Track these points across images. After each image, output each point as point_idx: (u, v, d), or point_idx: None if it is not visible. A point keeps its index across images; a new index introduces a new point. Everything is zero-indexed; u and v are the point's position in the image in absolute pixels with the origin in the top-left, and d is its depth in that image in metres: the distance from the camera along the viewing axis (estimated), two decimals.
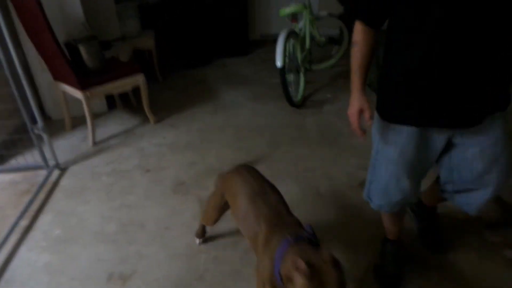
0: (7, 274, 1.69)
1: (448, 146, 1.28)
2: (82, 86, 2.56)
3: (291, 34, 3.04)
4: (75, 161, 2.56)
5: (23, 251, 1.82)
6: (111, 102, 3.32)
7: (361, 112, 1.29)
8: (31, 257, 1.78)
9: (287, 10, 3.16)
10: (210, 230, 1.88)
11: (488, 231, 1.78)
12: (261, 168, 2.33)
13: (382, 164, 1.37)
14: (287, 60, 2.99)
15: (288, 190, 2.13)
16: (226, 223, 1.92)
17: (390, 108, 1.29)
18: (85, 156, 2.62)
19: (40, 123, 2.33)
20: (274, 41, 3.05)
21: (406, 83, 1.19)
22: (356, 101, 1.29)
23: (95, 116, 3.02)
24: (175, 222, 1.96)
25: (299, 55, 3.22)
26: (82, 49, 2.64)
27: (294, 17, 3.25)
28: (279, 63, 2.86)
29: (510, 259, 1.63)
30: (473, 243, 1.72)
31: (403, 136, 1.26)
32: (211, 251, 1.76)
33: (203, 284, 1.60)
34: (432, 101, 1.16)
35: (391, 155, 1.31)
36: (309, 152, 2.52)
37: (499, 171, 1.25)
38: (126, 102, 3.37)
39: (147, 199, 2.15)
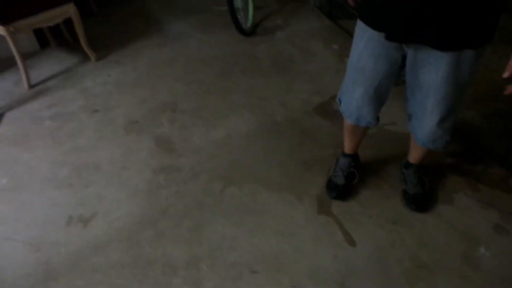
0: None
1: (412, 62, 1.22)
2: (3, 19, 2.24)
3: None
4: (11, 107, 2.34)
5: None
6: (43, 40, 2.98)
7: None
8: None
9: None
10: (169, 165, 1.87)
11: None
12: (215, 101, 2.31)
13: (348, 66, 1.38)
14: None
15: (245, 120, 2.14)
16: (186, 156, 1.92)
17: (361, 6, 1.24)
18: (22, 101, 2.39)
19: None
20: None
21: None
22: None
23: (26, 56, 2.70)
24: (131, 160, 1.91)
25: None
26: None
27: None
28: None
29: (451, 165, 1.80)
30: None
31: (364, 41, 1.23)
32: (172, 186, 1.77)
33: (167, 217, 1.62)
34: (399, 13, 1.10)
35: (352, 58, 1.33)
36: (262, 81, 2.49)
37: (441, 107, 1.25)
38: (61, 39, 3.03)
39: (98, 140, 2.05)
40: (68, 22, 2.65)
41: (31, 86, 2.52)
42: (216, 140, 2.02)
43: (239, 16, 2.95)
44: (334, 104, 2.23)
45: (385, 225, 1.56)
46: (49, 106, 2.33)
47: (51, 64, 2.78)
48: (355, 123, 1.46)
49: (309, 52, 2.78)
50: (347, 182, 1.67)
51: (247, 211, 1.63)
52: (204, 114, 2.21)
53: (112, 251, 1.50)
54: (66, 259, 1.48)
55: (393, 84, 1.34)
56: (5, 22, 2.25)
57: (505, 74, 1.07)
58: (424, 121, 1.32)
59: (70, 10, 2.54)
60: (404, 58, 1.24)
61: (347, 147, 1.68)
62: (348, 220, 1.58)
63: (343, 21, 3.10)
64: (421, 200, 1.62)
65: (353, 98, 1.38)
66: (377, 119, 1.45)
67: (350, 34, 2.92)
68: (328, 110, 2.19)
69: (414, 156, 1.62)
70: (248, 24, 3.10)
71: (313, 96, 2.29)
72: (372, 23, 1.19)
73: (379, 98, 1.36)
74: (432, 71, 1.18)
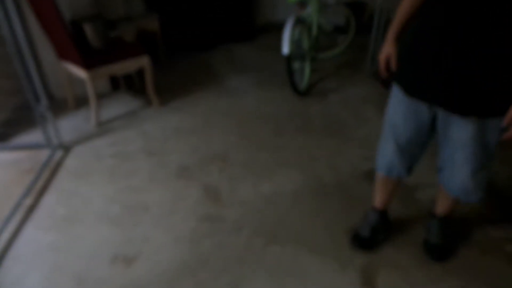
0: (13, 252, 1.71)
1: (442, 118, 1.31)
2: (87, 65, 2.53)
3: (299, 21, 3.00)
4: (78, 141, 2.55)
5: (28, 229, 1.83)
6: (115, 83, 3.29)
7: (388, 58, 1.41)
8: (36, 236, 1.79)
9: None
10: (214, 215, 1.90)
11: (490, 227, 1.80)
12: (265, 156, 2.36)
13: (384, 122, 1.51)
14: (293, 47, 2.96)
15: (292, 179, 2.15)
16: (232, 207, 1.94)
17: (396, 73, 1.40)
18: (89, 137, 2.61)
19: (44, 101, 2.31)
20: (280, 27, 3.02)
21: (405, 51, 1.33)
22: (386, 48, 1.41)
23: (99, 96, 2.99)
24: (179, 206, 1.97)
25: (305, 43, 3.18)
26: (87, 28, 2.60)
27: (302, 4, 3.20)
28: (285, 50, 2.83)
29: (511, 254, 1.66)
30: (476, 238, 1.75)
31: (397, 100, 1.39)
32: (215, 236, 1.78)
33: (206, 268, 1.61)
34: (424, 73, 1.25)
35: (387, 114, 1.47)
36: (313, 142, 2.52)
37: (471, 162, 1.32)
38: (130, 84, 3.34)
39: (151, 182, 2.15)
40: (139, 69, 2.92)
41: (98, 124, 2.75)
42: (262, 195, 2.03)
43: (295, 77, 3.09)
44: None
45: None
46: (111, 144, 2.51)
47: (119, 106, 3.04)
48: (386, 173, 1.54)
49: (362, 117, 2.80)
50: (373, 235, 1.68)
51: (288, 273, 1.58)
52: (253, 168, 2.26)
53: None
54: None
55: (426, 141, 1.43)
56: (88, 68, 2.54)
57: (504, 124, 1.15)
58: (455, 174, 1.38)
59: (144, 61, 2.81)
60: (434, 118, 1.33)
61: (377, 201, 1.71)
62: None
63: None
64: (441, 250, 1.64)
65: (386, 153, 1.50)
66: (409, 171, 1.52)
67: None
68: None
69: (440, 208, 1.64)
70: (303, 84, 3.23)
71: (363, 162, 2.27)
72: (406, 90, 1.34)
73: (410, 153, 1.46)
74: (460, 130, 1.27)
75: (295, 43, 3.04)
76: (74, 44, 2.46)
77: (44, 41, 2.80)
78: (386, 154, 1.50)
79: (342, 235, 1.77)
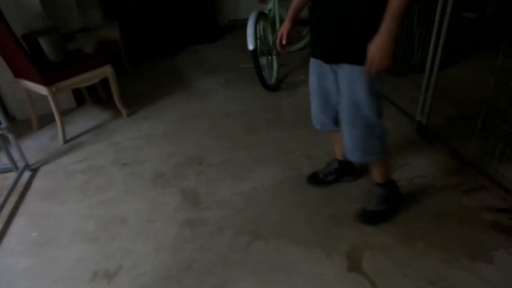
0: None
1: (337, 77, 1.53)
2: (46, 81, 2.43)
3: (261, 16, 2.99)
4: (46, 161, 2.45)
5: None
6: (80, 97, 3.18)
7: (281, 35, 1.66)
8: (8, 263, 1.70)
9: None
10: (195, 218, 1.86)
11: (465, 197, 1.85)
12: (241, 154, 2.34)
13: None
14: (258, 43, 2.95)
15: (270, 174, 2.14)
16: (212, 208, 1.91)
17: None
18: (57, 155, 2.50)
19: (3, 123, 2.20)
20: (243, 26, 3.00)
21: (309, 23, 1.59)
22: (282, 26, 1.67)
23: (64, 112, 2.89)
24: (158, 214, 1.92)
25: (270, 37, 3.18)
26: (43, 42, 2.50)
27: None
28: (251, 46, 2.82)
29: (489, 221, 1.70)
30: (452, 210, 1.78)
31: (311, 64, 1.64)
32: (197, 240, 1.74)
33: (191, 274, 1.57)
34: (314, 38, 1.58)
35: (309, 82, 1.69)
36: (287, 134, 2.52)
37: (342, 121, 1.56)
38: (95, 96, 3.24)
39: (126, 193, 2.09)
40: (104, 81, 2.84)
41: (66, 141, 2.65)
42: (242, 194, 2.01)
43: (264, 72, 3.08)
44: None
45: (422, 285, 1.45)
46: (81, 160, 2.42)
47: (85, 120, 2.94)
48: (320, 127, 1.77)
49: None
50: (324, 177, 1.98)
51: (275, 268, 1.57)
52: (230, 167, 2.23)
53: None
54: None
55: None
56: (48, 84, 2.44)
57: None
58: (342, 130, 1.60)
59: (107, 71, 2.73)
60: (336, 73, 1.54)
61: (335, 152, 1.97)
62: (381, 279, 1.49)
63: None
64: (367, 214, 1.76)
65: (313, 111, 1.75)
66: (336, 124, 1.69)
67: None
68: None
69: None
70: (272, 80, 3.22)
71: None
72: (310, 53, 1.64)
73: (331, 107, 1.65)
74: (340, 83, 1.50)
75: (260, 38, 3.03)
76: (29, 60, 2.36)
77: None
78: (314, 112, 1.74)
79: (324, 224, 1.77)
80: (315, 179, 2.01)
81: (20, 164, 2.33)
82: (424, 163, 2.11)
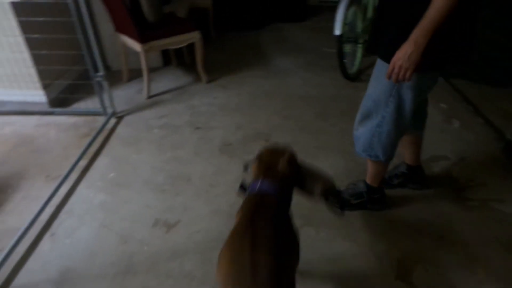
0: (67, 207, 1.87)
1: None
2: (141, 39, 2.63)
3: (353, 1, 2.87)
4: (130, 111, 2.69)
5: (81, 188, 1.99)
6: (167, 58, 3.40)
7: None
8: (88, 194, 1.95)
9: None
10: None
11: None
12: (307, 139, 2.34)
13: None
14: (346, 29, 2.86)
15: (333, 164, 2.12)
16: None
17: None
18: (140, 108, 2.74)
19: (101, 71, 2.45)
20: (333, 8, 2.92)
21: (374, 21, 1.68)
22: None
23: (151, 70, 3.11)
24: (220, 180, 2.03)
25: (359, 25, 3.06)
26: (143, 2, 2.69)
27: None
28: (337, 31, 2.74)
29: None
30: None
31: None
32: None
33: None
34: (375, 36, 1.54)
35: None
36: None
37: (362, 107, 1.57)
38: (181, 59, 3.43)
39: (195, 155, 2.23)
40: (190, 46, 2.99)
41: (149, 96, 2.87)
42: None
43: (345, 60, 2.99)
44: (432, 165, 2.09)
45: None
46: (160, 117, 2.62)
47: (169, 80, 3.14)
48: None
49: None
50: (389, 179, 1.91)
51: (320, 256, 1.59)
52: (294, 149, 2.25)
53: (186, 261, 1.58)
54: (147, 257, 1.60)
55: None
56: (143, 41, 2.63)
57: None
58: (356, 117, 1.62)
59: (195, 37, 2.87)
60: None
61: (405, 156, 1.91)
62: None
63: (456, 80, 2.93)
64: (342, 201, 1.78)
65: None
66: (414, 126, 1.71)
67: (461, 94, 2.74)
68: (424, 170, 2.05)
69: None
70: (353, 69, 3.13)
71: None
72: None
73: None
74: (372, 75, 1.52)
75: (348, 25, 2.93)
76: (131, 18, 2.56)
77: (104, 15, 2.94)
78: None
79: (380, 225, 1.73)
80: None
81: (109, 110, 2.59)
82: (505, 186, 1.93)
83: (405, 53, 1.23)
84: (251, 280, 0.95)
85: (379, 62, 1.44)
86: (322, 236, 1.69)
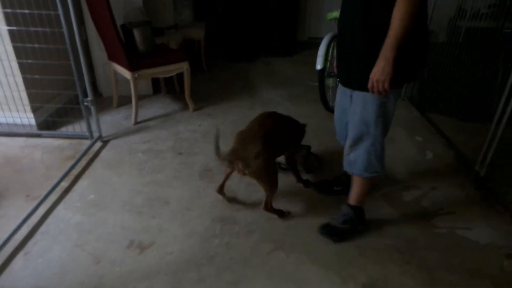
0: (43, 227, 1.89)
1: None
2: (132, 67, 2.75)
3: (335, 38, 3.04)
4: (116, 136, 2.77)
5: (60, 208, 2.02)
6: (157, 87, 3.52)
7: None
8: (66, 215, 1.98)
9: (334, 13, 3.16)
10: (228, 217, 1.98)
11: (508, 261, 1.72)
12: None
13: None
14: (328, 64, 3.01)
15: (308, 192, 2.18)
16: (246, 210, 2.01)
17: None
18: (126, 133, 2.81)
19: (90, 96, 2.55)
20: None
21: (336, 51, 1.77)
22: None
23: (141, 97, 3.23)
24: (196, 204, 2.07)
25: None
26: (136, 33, 2.84)
27: None
28: (319, 65, 2.89)
29: None
30: (489, 270, 1.67)
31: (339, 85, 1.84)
32: (225, 236, 1.85)
33: (212, 265, 1.69)
34: (338, 63, 1.73)
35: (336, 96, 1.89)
36: (338, 157, 2.53)
37: (351, 132, 1.68)
38: (170, 88, 3.55)
39: (175, 179, 2.28)
40: (180, 75, 3.12)
41: (136, 122, 2.96)
42: (277, 205, 2.08)
43: (328, 94, 3.12)
44: (403, 194, 2.15)
45: None
46: (145, 142, 2.69)
47: (157, 107, 3.25)
48: (338, 139, 1.96)
49: (389, 138, 2.75)
50: (330, 185, 2.16)
51: (288, 280, 1.62)
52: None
53: (156, 282, 1.60)
54: (117, 277, 1.62)
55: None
56: (132, 70, 2.76)
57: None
58: (345, 144, 1.75)
59: (184, 67, 3.00)
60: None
61: None
62: None
63: (432, 114, 3.05)
64: (334, 231, 1.83)
65: (334, 119, 1.93)
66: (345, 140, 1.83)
67: (436, 128, 2.85)
68: (395, 199, 2.12)
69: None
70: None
71: (383, 183, 2.25)
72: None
73: (345, 124, 1.79)
74: (353, 102, 1.64)
75: (331, 59, 3.09)
76: (122, 48, 2.70)
77: (98, 43, 3.08)
78: (335, 123, 1.92)
79: (349, 250, 1.77)
80: (320, 185, 2.18)
81: (95, 134, 2.66)
82: (473, 215, 1.99)
83: (379, 68, 1.43)
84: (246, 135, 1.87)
85: (356, 93, 1.60)
86: (291, 260, 1.72)
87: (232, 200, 2.11)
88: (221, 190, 2.09)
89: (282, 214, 1.97)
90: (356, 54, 1.54)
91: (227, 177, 2.05)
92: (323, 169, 2.41)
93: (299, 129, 2.20)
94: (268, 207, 1.91)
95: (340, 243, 1.81)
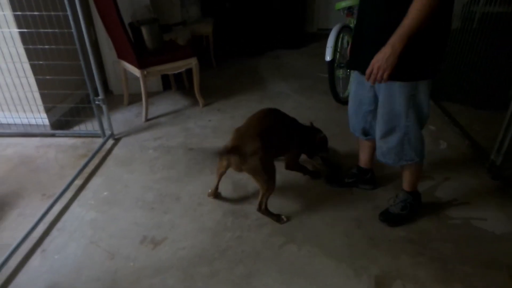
0: (59, 224, 1.94)
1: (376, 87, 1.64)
2: (141, 65, 2.77)
3: (345, 29, 3.00)
4: (127, 133, 2.80)
5: (74, 206, 2.06)
6: (167, 83, 3.54)
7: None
8: (80, 212, 2.02)
9: (343, 3, 3.11)
10: (239, 210, 1.98)
11: None
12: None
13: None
14: (338, 55, 2.97)
15: (319, 182, 2.17)
16: (255, 206, 2.01)
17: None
18: (137, 130, 2.84)
19: (101, 95, 2.58)
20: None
21: (352, 38, 1.72)
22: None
23: (151, 94, 3.25)
24: (207, 199, 2.08)
25: None
26: (144, 31, 2.85)
27: (350, 11, 3.19)
28: (328, 57, 2.85)
29: None
30: (506, 261, 1.64)
31: (352, 73, 1.87)
32: (237, 230, 1.86)
33: (224, 259, 1.70)
34: (356, 52, 1.68)
35: (350, 88, 1.93)
36: (347, 149, 2.51)
37: (382, 123, 1.64)
38: (180, 84, 3.57)
39: (186, 175, 2.30)
40: (189, 71, 3.13)
41: (147, 119, 2.99)
42: (289, 197, 2.08)
43: (338, 85, 3.09)
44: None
45: None
46: (155, 138, 2.72)
47: (167, 103, 3.27)
48: (352, 131, 1.93)
49: None
50: (342, 178, 2.12)
51: (300, 273, 1.62)
52: (283, 170, 2.31)
53: (169, 277, 1.62)
54: (131, 273, 1.65)
55: (374, 110, 1.73)
56: (141, 67, 2.78)
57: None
58: (376, 135, 1.71)
59: (192, 63, 3.00)
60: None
61: (359, 159, 2.08)
62: None
63: (445, 103, 2.99)
64: (388, 215, 1.86)
65: (349, 114, 1.90)
66: (364, 134, 1.87)
67: (449, 117, 2.79)
68: None
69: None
70: (346, 93, 3.21)
71: (396, 174, 2.21)
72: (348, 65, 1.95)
73: (363, 116, 1.81)
74: (380, 93, 1.61)
75: (340, 50, 3.05)
76: (131, 46, 2.72)
77: (108, 42, 3.11)
78: (349, 115, 1.90)
79: (361, 242, 1.76)
80: (332, 178, 2.16)
81: (107, 132, 2.70)
82: (488, 205, 1.95)
83: (383, 56, 1.38)
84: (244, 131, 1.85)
85: (380, 84, 1.55)
86: (303, 253, 1.72)
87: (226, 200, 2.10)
88: (215, 193, 2.07)
89: (278, 219, 1.90)
90: (383, 43, 1.43)
91: (220, 177, 2.02)
92: (336, 162, 2.39)
93: (306, 134, 2.14)
94: (263, 208, 1.85)
95: (353, 236, 1.80)
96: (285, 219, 1.90)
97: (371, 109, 1.77)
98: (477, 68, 2.74)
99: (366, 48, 1.56)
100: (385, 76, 1.41)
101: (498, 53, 2.68)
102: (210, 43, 4.06)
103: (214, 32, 4.04)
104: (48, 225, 1.93)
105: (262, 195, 1.83)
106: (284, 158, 2.09)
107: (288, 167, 2.12)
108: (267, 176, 1.79)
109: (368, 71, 1.44)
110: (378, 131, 1.68)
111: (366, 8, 1.57)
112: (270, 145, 1.79)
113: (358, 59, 1.66)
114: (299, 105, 3.19)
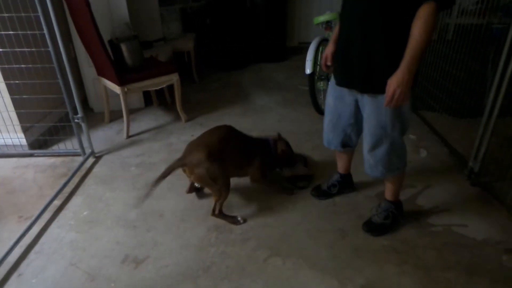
0: (37, 247, 1.87)
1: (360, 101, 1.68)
2: (121, 81, 2.75)
3: (324, 42, 3.06)
4: (109, 151, 2.75)
5: (53, 227, 2.00)
6: (148, 99, 3.52)
7: (326, 57, 1.81)
8: (59, 233, 1.96)
9: (321, 18, 3.19)
10: (223, 225, 1.96)
11: (507, 256, 1.70)
12: (278, 173, 2.40)
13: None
14: (317, 68, 3.02)
15: (303, 197, 2.16)
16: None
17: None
18: (118, 147, 2.80)
19: (80, 113, 2.54)
20: None
21: (336, 53, 1.73)
22: (326, 49, 1.81)
23: (132, 111, 3.22)
24: (191, 215, 2.06)
25: None
26: (124, 48, 2.84)
27: (328, 25, 3.27)
28: (308, 70, 2.90)
29: None
30: (487, 266, 1.66)
31: (331, 85, 1.80)
32: (221, 245, 1.84)
33: (208, 275, 1.67)
34: (341, 68, 1.68)
35: (326, 101, 1.88)
36: (329, 160, 2.53)
37: (369, 137, 1.67)
38: (162, 100, 3.55)
39: (169, 191, 2.27)
40: (171, 87, 3.12)
41: (129, 136, 2.95)
42: (272, 210, 2.07)
43: (320, 97, 3.13)
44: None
45: None
46: (137, 155, 2.68)
47: (149, 119, 3.24)
48: (327, 145, 1.96)
49: None
50: (328, 189, 2.13)
51: (285, 286, 1.60)
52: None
53: None
54: None
55: (354, 123, 1.78)
56: (122, 84, 2.76)
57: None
58: (363, 149, 1.73)
59: (173, 78, 3.00)
60: (357, 100, 1.69)
61: (338, 167, 2.14)
62: None
63: (424, 112, 3.06)
64: (370, 224, 1.88)
65: (324, 128, 1.92)
66: (343, 146, 1.90)
67: (429, 126, 2.85)
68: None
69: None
70: None
71: (378, 183, 2.24)
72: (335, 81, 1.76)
73: (342, 130, 1.83)
74: (366, 107, 1.63)
75: (320, 63, 3.09)
76: (110, 63, 2.70)
77: (87, 59, 3.09)
78: (324, 129, 1.92)
79: (346, 253, 1.76)
80: (318, 191, 2.16)
81: (87, 151, 2.65)
82: (469, 212, 1.98)
83: (402, 80, 1.41)
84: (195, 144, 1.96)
85: (366, 98, 1.59)
86: (288, 266, 1.70)
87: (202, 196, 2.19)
88: (191, 188, 2.19)
89: (234, 220, 1.97)
90: (373, 58, 1.50)
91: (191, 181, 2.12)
92: (318, 172, 2.40)
93: (264, 147, 2.17)
94: (216, 213, 1.96)
95: (338, 247, 1.79)
96: (241, 221, 1.96)
97: (351, 123, 1.79)
98: (453, 78, 2.82)
99: (355, 67, 1.57)
100: (406, 98, 1.45)
101: (473, 62, 2.78)
102: (192, 59, 4.07)
103: (195, 48, 4.06)
104: (25, 248, 1.87)
105: (214, 202, 1.94)
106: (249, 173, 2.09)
107: (253, 179, 2.10)
108: (217, 185, 1.87)
109: (388, 97, 1.44)
110: (366, 145, 1.70)
111: (350, 24, 1.56)
112: (221, 156, 1.86)
113: (348, 77, 1.64)
114: (283, 118, 3.21)
